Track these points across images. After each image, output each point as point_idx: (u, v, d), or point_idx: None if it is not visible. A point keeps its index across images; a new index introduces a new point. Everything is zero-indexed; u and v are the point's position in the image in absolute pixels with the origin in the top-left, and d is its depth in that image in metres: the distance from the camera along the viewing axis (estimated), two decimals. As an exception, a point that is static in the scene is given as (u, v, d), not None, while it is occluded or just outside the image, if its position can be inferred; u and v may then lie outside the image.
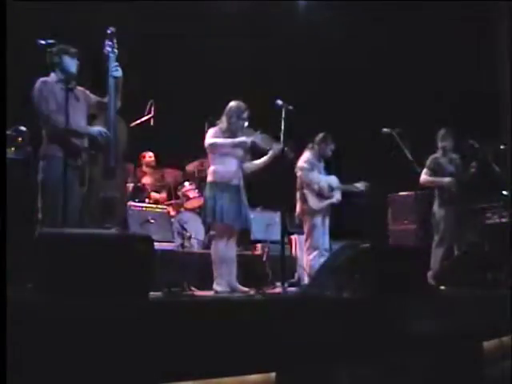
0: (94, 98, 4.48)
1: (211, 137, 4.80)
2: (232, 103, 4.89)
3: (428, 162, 6.23)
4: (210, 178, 4.80)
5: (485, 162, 6.22)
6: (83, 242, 2.89)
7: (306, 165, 5.90)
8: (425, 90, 8.71)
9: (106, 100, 4.39)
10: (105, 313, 2.61)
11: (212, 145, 4.78)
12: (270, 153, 4.87)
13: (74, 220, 3.99)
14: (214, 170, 4.78)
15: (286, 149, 4.77)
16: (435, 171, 6.18)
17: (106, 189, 4.24)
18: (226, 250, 4.72)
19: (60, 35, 4.30)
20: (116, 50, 4.36)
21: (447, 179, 6.10)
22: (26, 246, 3.83)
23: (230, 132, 4.78)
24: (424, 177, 6.16)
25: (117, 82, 4.34)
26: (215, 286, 4.64)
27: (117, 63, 4.35)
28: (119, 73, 4.33)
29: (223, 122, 4.84)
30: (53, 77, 4.27)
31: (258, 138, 4.80)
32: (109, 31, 4.37)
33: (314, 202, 5.85)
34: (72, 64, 4.30)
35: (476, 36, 9.05)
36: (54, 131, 4.15)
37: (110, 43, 4.34)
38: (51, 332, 2.43)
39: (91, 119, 4.46)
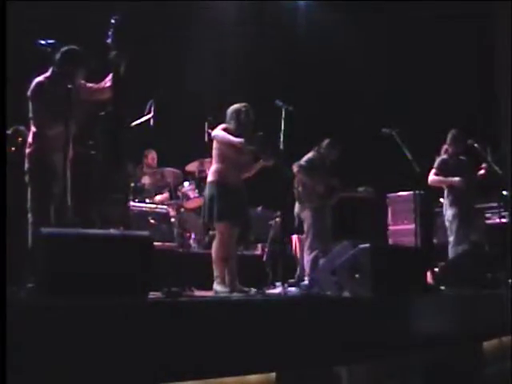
0: (94, 86, 4.36)
1: (218, 129, 4.81)
2: (237, 105, 4.89)
3: (436, 163, 6.24)
4: (210, 178, 4.80)
5: (488, 163, 6.24)
6: (83, 242, 2.89)
7: (304, 163, 5.90)
8: (425, 90, 8.71)
9: (106, 85, 4.30)
10: (105, 313, 2.61)
11: (214, 136, 4.81)
12: (259, 163, 4.88)
13: (66, 221, 3.95)
14: (215, 169, 4.78)
15: (284, 168, 4.81)
16: (444, 172, 6.19)
17: (108, 190, 4.22)
18: (226, 249, 4.72)
19: (60, 34, 4.30)
20: (120, 40, 4.21)
21: (457, 179, 6.11)
22: (20, 246, 3.85)
23: (239, 132, 4.78)
24: (433, 177, 6.18)
25: (120, 70, 4.18)
26: (215, 286, 4.64)
27: (120, 52, 4.17)
28: (122, 60, 4.18)
29: (231, 123, 4.83)
30: (51, 74, 4.22)
31: (257, 143, 4.79)
32: (113, 20, 4.20)
33: (310, 200, 5.84)
34: (79, 76, 4.27)
35: (476, 36, 9.06)
36: (48, 133, 4.12)
37: (113, 33, 4.23)
38: (51, 332, 2.43)
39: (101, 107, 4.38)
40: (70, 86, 3.99)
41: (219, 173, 4.74)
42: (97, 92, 4.37)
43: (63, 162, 3.93)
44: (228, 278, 4.71)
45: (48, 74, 4.23)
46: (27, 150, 4.20)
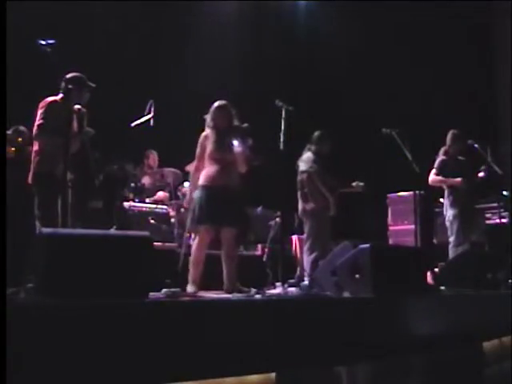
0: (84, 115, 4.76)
1: (199, 144, 4.85)
2: (213, 107, 4.91)
3: (436, 163, 6.25)
4: (199, 182, 4.81)
5: (487, 163, 6.25)
6: (83, 243, 2.89)
7: (313, 168, 5.88)
8: (425, 90, 8.71)
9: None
10: (105, 313, 2.61)
11: None
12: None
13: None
14: (204, 173, 4.79)
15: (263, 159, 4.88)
16: (443, 172, 6.19)
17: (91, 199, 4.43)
18: (201, 253, 4.72)
19: (60, 35, 4.31)
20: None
21: (458, 179, 6.12)
22: (23, 247, 3.90)
23: (219, 134, 4.80)
24: (433, 177, 6.19)
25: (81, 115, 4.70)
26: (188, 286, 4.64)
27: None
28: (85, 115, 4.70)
29: (209, 129, 4.86)
30: (61, 98, 4.59)
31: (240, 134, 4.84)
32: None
33: (315, 201, 5.85)
34: (85, 97, 4.69)
35: (476, 36, 9.06)
36: (52, 148, 4.38)
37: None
38: (51, 332, 2.43)
39: None
40: (74, 109, 4.52)
41: (207, 176, 4.74)
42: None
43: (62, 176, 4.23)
44: (228, 279, 4.73)
45: (59, 96, 4.60)
46: (32, 166, 4.50)
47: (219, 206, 4.63)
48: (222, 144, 4.76)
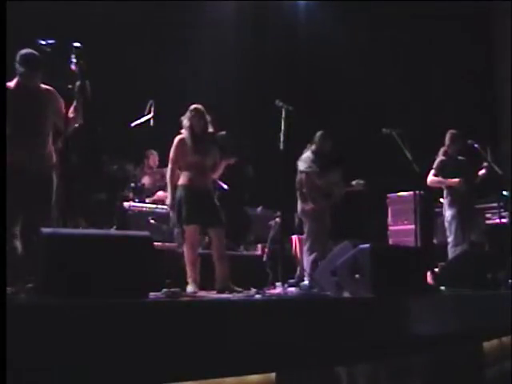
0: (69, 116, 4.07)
1: (174, 147, 4.91)
2: (192, 106, 4.96)
3: (435, 164, 6.25)
4: (179, 182, 4.88)
5: (488, 163, 6.26)
6: (83, 242, 2.90)
7: (310, 168, 5.89)
8: (425, 90, 8.72)
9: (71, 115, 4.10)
10: (105, 313, 2.61)
11: None
12: (222, 162, 5.04)
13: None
14: (183, 174, 4.87)
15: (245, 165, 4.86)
16: (442, 172, 6.20)
17: (91, 191, 4.24)
18: (194, 252, 4.77)
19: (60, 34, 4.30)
20: (82, 66, 3.97)
21: (456, 180, 6.12)
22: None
23: (194, 138, 4.85)
24: (432, 177, 6.19)
25: (83, 96, 4.06)
26: (187, 287, 4.66)
27: (84, 82, 4.03)
28: (86, 89, 4.04)
29: (185, 132, 4.90)
30: (16, 82, 4.10)
31: (219, 142, 4.88)
32: (74, 46, 4.00)
33: (314, 201, 5.86)
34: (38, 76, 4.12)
35: (476, 36, 9.07)
36: (16, 141, 3.93)
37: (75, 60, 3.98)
38: (51, 332, 2.43)
39: None
40: (34, 92, 3.99)
41: (186, 177, 4.82)
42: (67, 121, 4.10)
43: (44, 170, 3.99)
44: (220, 278, 4.74)
45: (14, 81, 4.11)
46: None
47: (201, 207, 4.70)
48: (197, 149, 4.84)
